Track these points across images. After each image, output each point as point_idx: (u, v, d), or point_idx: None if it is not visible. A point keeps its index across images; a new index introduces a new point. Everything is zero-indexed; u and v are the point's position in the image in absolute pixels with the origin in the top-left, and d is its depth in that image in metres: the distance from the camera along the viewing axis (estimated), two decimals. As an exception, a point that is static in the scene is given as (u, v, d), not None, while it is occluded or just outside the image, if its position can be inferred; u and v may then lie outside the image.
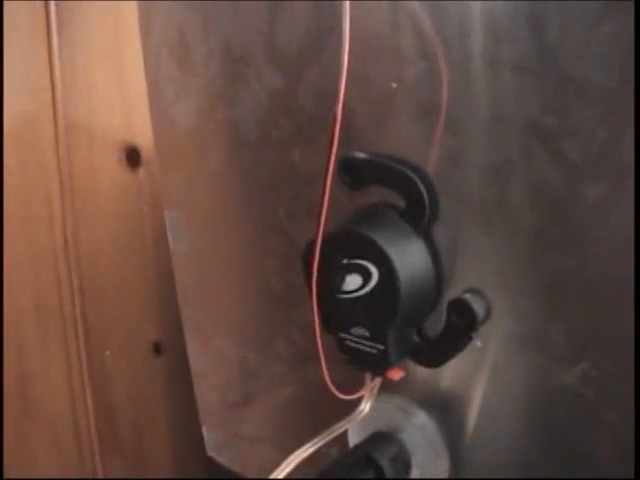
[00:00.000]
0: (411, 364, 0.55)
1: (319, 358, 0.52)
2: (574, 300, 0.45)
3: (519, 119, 0.44)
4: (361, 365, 0.54)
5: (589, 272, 0.44)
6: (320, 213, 0.47)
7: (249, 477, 0.74)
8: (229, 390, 0.74)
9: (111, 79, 1.23)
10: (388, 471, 0.55)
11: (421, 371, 0.56)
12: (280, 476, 0.51)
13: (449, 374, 0.55)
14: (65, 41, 1.24)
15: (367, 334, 0.52)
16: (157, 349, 1.39)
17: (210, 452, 0.81)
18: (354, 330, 0.52)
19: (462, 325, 0.49)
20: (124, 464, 1.60)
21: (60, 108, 1.41)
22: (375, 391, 0.56)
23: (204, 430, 0.80)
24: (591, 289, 0.44)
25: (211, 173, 0.66)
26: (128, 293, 1.51)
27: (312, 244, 0.48)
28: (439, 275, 0.50)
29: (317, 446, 0.54)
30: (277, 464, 0.63)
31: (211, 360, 0.74)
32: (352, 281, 0.50)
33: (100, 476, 1.55)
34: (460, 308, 0.49)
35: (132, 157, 1.27)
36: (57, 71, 1.35)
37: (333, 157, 0.45)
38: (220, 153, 0.65)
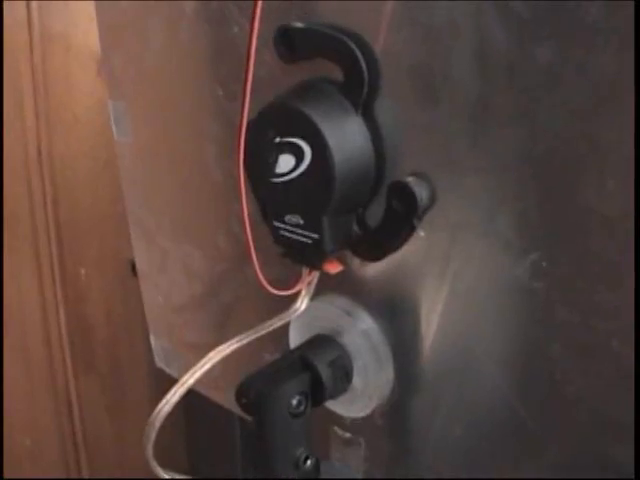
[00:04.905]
0: (356, 262, 0.52)
1: (250, 249, 0.48)
2: (523, 180, 0.41)
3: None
4: (296, 257, 0.50)
5: (540, 147, 0.40)
6: (245, 85, 0.43)
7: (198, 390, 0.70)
8: (173, 292, 0.71)
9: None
10: (325, 374, 0.51)
11: (365, 270, 0.52)
12: (198, 373, 0.47)
13: (394, 272, 0.51)
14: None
15: (301, 222, 0.48)
16: (135, 268, 1.35)
17: (159, 363, 0.78)
18: (288, 218, 0.48)
19: (403, 211, 0.45)
20: (98, 382, 1.60)
21: (35, 16, 1.37)
22: (312, 287, 0.53)
23: (152, 338, 0.77)
24: (542, 166, 0.40)
25: (151, 54, 0.62)
26: (104, 208, 1.50)
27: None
28: (379, 155, 0.45)
29: (240, 343, 0.50)
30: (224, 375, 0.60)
31: (155, 259, 0.71)
32: (285, 162, 0.46)
33: (72, 392, 1.54)
34: (400, 191, 0.44)
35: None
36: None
37: (258, 11, 0.41)
38: (160, 30, 0.60)
